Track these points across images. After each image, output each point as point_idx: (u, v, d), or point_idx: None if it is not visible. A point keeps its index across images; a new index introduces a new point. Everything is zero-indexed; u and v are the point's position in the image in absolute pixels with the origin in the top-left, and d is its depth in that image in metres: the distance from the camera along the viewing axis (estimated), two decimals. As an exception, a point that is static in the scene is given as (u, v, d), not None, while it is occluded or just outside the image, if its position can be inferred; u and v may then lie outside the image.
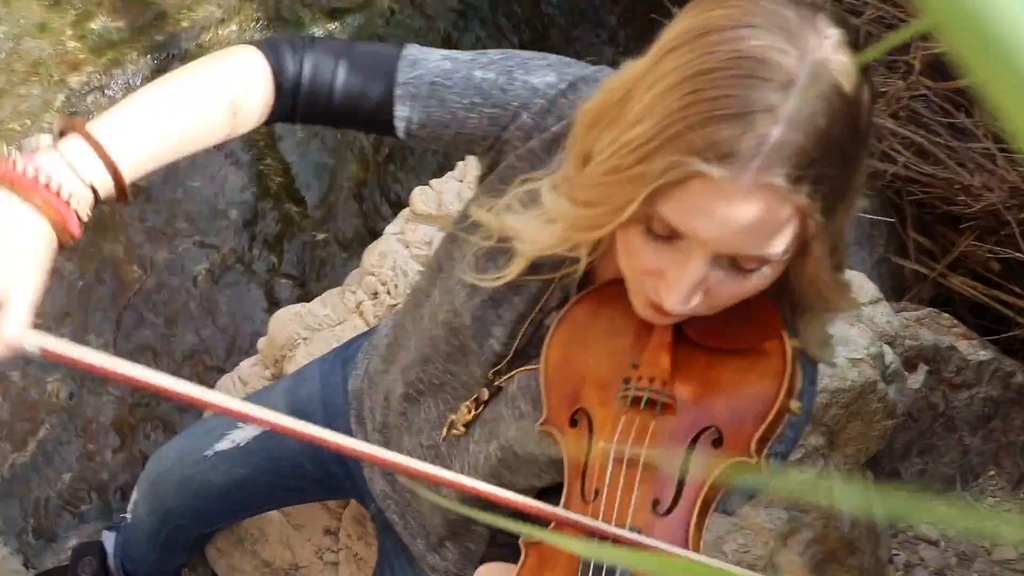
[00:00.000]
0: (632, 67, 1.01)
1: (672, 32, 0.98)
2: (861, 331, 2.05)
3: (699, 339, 1.09)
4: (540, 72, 1.19)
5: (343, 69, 1.20)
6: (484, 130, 1.20)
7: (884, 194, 2.91)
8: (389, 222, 2.17)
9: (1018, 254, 2.60)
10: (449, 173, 2.25)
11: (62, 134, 1.04)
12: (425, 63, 1.21)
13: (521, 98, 1.18)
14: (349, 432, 1.58)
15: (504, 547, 1.25)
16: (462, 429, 1.34)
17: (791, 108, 0.91)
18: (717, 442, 1.04)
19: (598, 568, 1.01)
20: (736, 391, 1.06)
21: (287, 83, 1.19)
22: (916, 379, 2.39)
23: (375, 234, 2.32)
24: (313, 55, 1.20)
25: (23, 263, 0.97)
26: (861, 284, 2.22)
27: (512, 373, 1.27)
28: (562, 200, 1.06)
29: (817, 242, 0.98)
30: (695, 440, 1.05)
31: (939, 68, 2.91)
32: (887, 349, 2.08)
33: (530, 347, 1.25)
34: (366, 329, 1.91)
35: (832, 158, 0.93)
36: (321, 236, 2.54)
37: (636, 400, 1.08)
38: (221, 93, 1.14)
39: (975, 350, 2.54)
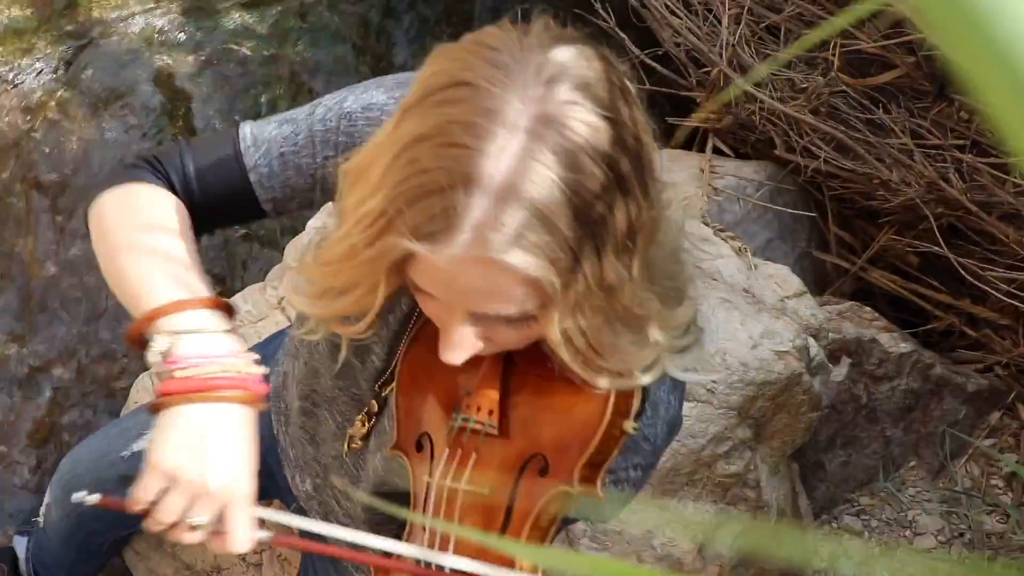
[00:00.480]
0: (389, 122, 0.97)
1: (413, 87, 0.94)
2: (786, 324, 2.06)
3: (526, 367, 1.08)
4: (371, 95, 1.15)
5: (194, 178, 1.16)
6: None
7: (806, 189, 2.94)
8: (311, 216, 2.13)
9: (936, 248, 2.64)
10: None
11: (145, 331, 1.02)
12: (264, 137, 1.16)
13: (367, 132, 1.12)
14: (271, 433, 1.55)
15: None
16: (360, 443, 1.33)
17: (500, 178, 0.87)
18: (544, 470, 1.04)
19: None
20: (563, 417, 1.05)
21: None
22: (839, 372, 2.41)
23: (297, 229, 2.28)
24: (167, 168, 1.17)
25: (242, 465, 1.00)
26: (785, 277, 2.23)
27: (391, 387, 1.26)
28: (315, 282, 1.05)
29: (558, 303, 0.93)
30: (523, 469, 1.05)
31: (858, 65, 2.94)
32: (812, 342, 2.09)
33: None
34: (287, 325, 1.87)
35: (559, 221, 0.88)
36: (241, 231, 2.48)
37: (462, 430, 1.08)
38: (179, 223, 1.13)
39: (896, 343, 2.56)
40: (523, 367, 1.08)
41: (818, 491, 2.52)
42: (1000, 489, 2.65)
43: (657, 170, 0.98)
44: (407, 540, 1.12)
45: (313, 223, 2.08)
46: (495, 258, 0.90)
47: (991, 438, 2.72)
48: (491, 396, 1.07)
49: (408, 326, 1.21)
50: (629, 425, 1.04)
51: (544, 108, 0.88)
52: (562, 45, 0.92)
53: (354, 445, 1.34)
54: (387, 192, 0.91)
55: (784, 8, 2.91)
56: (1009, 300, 2.56)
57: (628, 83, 0.96)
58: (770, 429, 2.03)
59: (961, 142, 2.74)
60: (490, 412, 1.07)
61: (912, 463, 2.65)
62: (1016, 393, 2.73)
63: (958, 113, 2.81)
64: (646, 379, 1.04)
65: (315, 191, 1.17)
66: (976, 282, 2.63)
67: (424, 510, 1.09)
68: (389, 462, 1.23)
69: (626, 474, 1.17)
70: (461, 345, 1.00)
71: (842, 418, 2.50)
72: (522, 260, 0.89)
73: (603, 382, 1.02)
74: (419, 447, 1.12)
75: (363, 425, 1.31)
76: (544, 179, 0.87)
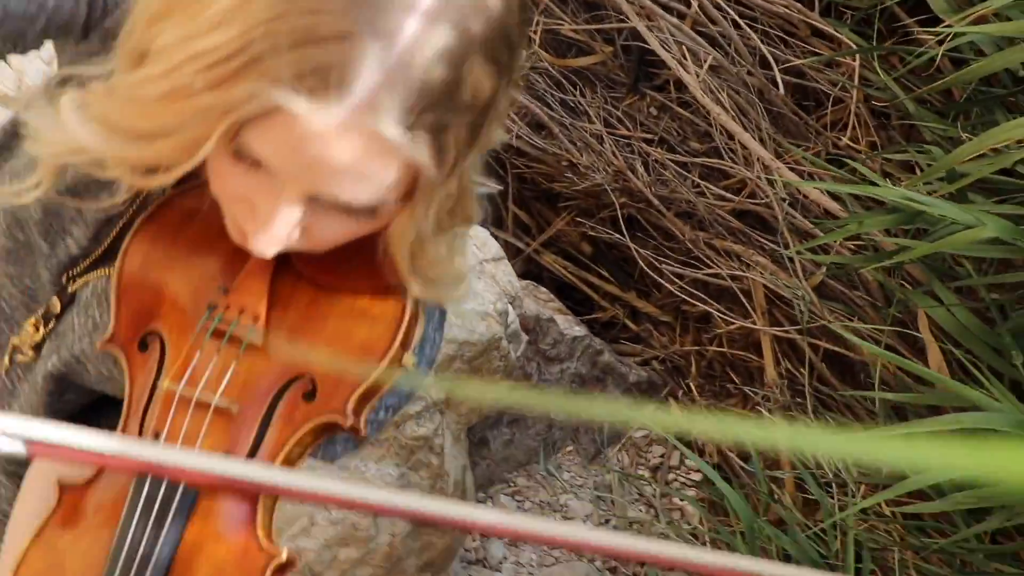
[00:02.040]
0: None
1: None
2: (488, 285, 1.96)
3: (306, 271, 0.91)
4: None
5: None
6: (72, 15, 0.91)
7: (490, 164, 2.86)
8: None
9: (617, 236, 2.64)
10: (34, 52, 1.89)
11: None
12: None
13: None
14: None
15: None
16: (30, 353, 1.05)
17: (410, 35, 0.73)
18: (309, 395, 0.88)
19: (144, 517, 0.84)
20: (341, 338, 0.90)
21: None
22: (518, 347, 2.34)
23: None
24: None
25: None
26: (485, 240, 2.14)
27: (88, 277, 1.01)
28: (112, 118, 0.80)
29: (423, 196, 0.82)
30: (283, 390, 0.88)
31: (556, 47, 2.91)
32: (511, 308, 2.00)
33: (115, 251, 0.98)
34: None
35: (461, 101, 0.77)
36: None
37: (218, 334, 0.89)
38: None
39: (571, 326, 2.54)
40: (302, 271, 0.91)
41: (479, 468, 2.44)
42: (646, 480, 2.69)
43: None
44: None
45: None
46: (385, 133, 0.74)
47: (643, 430, 2.76)
48: (258, 298, 0.89)
49: (130, 206, 0.97)
50: (410, 359, 0.90)
51: None
52: None
53: (21, 357, 1.06)
54: (241, 31, 0.72)
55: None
56: (680, 295, 2.61)
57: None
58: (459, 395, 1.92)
59: (649, 136, 2.78)
60: (255, 317, 0.89)
61: (570, 447, 2.64)
62: (670, 388, 2.79)
63: (649, 108, 2.85)
64: (452, 293, 0.93)
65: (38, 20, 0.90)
66: (651, 272, 2.67)
67: (143, 419, 0.87)
68: (92, 358, 0.98)
69: (375, 415, 1.00)
70: (279, 233, 0.82)
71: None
72: (415, 140, 0.76)
73: (417, 288, 0.89)
74: (143, 346, 0.90)
75: (36, 331, 1.03)
76: (459, 49, 0.75)
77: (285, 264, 0.90)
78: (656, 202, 2.66)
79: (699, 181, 2.66)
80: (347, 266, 0.90)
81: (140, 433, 0.87)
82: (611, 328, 2.92)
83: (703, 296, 2.60)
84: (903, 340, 2.39)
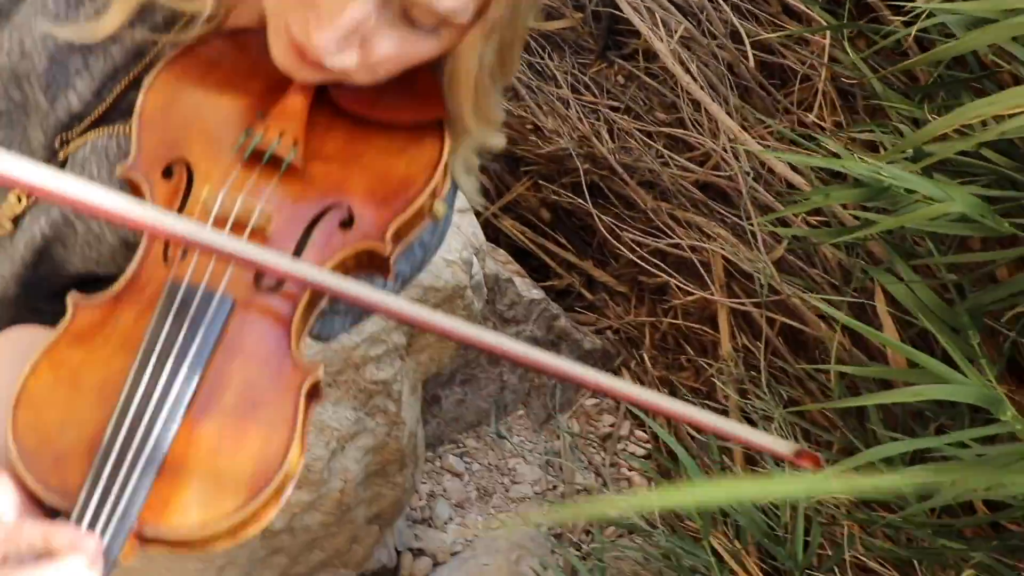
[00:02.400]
0: None
1: None
2: (454, 233, 1.92)
3: (345, 104, 0.90)
4: None
5: None
6: None
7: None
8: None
9: (580, 200, 2.62)
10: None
11: None
12: None
13: None
14: None
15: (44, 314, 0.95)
16: (8, 226, 1.00)
17: None
18: (346, 223, 0.86)
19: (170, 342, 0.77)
20: (379, 171, 0.89)
21: None
22: (479, 300, 2.31)
23: None
24: None
25: None
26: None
27: (86, 137, 0.96)
28: None
29: (487, 27, 0.84)
30: (321, 216, 0.86)
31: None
32: (475, 259, 1.97)
33: (116, 112, 0.95)
34: None
35: None
36: None
37: (257, 155, 0.86)
38: None
39: (528, 288, 2.52)
40: (342, 105, 0.89)
41: (430, 426, 2.40)
42: (595, 448, 2.68)
43: None
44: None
45: None
46: None
47: (595, 398, 2.75)
48: (298, 122, 0.87)
49: (136, 59, 0.93)
50: (440, 206, 0.89)
51: None
52: None
53: None
54: None
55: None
56: (639, 264, 2.60)
57: None
58: (422, 342, 1.88)
59: (616, 104, 2.76)
60: (295, 140, 0.86)
61: (521, 412, 2.62)
62: (622, 359, 2.78)
63: (616, 76, 2.83)
64: (466, 184, 0.93)
65: None
66: (612, 239, 2.65)
67: (178, 242, 0.81)
68: (82, 219, 0.93)
69: (401, 266, 0.96)
70: (347, 25, 0.80)
71: (467, 355, 2.41)
72: None
73: (471, 122, 0.90)
74: (167, 173, 0.86)
75: (19, 202, 0.98)
76: None
77: (324, 99, 0.89)
78: (620, 169, 2.65)
79: (663, 151, 2.64)
80: (385, 101, 0.89)
81: (164, 257, 0.82)
82: (567, 296, 2.90)
83: (663, 265, 2.59)
84: (860, 318, 2.40)
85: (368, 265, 0.86)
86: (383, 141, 0.89)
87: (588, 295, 2.88)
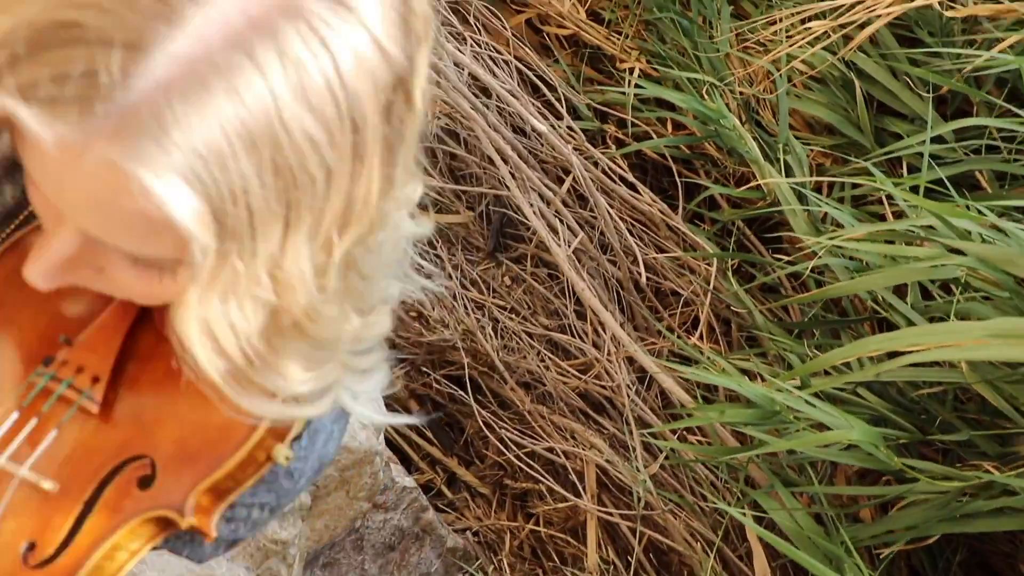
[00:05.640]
0: None
1: None
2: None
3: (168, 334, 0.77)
4: None
5: None
6: None
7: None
8: None
9: (462, 392, 2.58)
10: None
11: None
12: None
13: None
14: None
15: None
16: None
17: (189, 61, 0.59)
18: (145, 481, 0.74)
19: None
20: (196, 416, 0.75)
21: None
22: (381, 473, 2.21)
23: None
24: None
25: None
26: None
27: None
28: None
29: (203, 278, 0.64)
30: (117, 471, 0.74)
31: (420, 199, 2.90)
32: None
33: None
34: None
35: (250, 161, 0.61)
36: None
37: (46, 392, 0.75)
38: None
39: (402, 475, 2.43)
40: (162, 333, 0.76)
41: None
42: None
43: (414, 154, 0.72)
44: None
45: None
46: (129, 170, 0.59)
47: (448, 599, 2.62)
48: (102, 356, 0.76)
49: (8, 223, 0.82)
50: (281, 452, 0.76)
51: None
52: None
53: None
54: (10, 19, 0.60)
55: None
56: (507, 467, 2.55)
57: (429, 29, 0.70)
58: (322, 506, 1.77)
59: (502, 303, 2.77)
60: (94, 379, 0.75)
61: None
62: (480, 562, 2.68)
63: (504, 276, 2.85)
64: (311, 410, 0.76)
65: None
66: (479, 437, 2.60)
67: None
68: None
69: (247, 513, 0.86)
70: (52, 264, 0.67)
71: (335, 535, 2.28)
72: (172, 194, 0.59)
73: (248, 403, 0.71)
74: None
75: None
76: (257, 93, 0.59)
77: (147, 320, 0.77)
78: (501, 367, 2.63)
79: (547, 354, 2.65)
80: None
81: None
82: (427, 492, 2.81)
83: (536, 467, 2.55)
84: (730, 542, 2.40)
85: (171, 530, 0.74)
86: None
87: (448, 493, 2.80)
